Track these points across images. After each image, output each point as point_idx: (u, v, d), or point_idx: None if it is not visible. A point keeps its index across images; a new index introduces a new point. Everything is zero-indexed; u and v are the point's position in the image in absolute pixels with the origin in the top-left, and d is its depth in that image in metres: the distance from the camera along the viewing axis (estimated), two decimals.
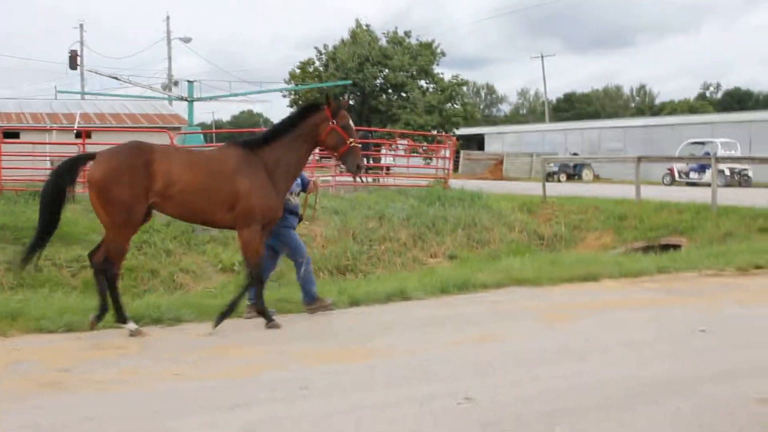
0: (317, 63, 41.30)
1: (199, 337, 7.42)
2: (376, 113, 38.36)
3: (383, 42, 39.84)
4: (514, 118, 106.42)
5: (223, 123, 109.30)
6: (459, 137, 43.03)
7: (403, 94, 38.94)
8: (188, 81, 27.91)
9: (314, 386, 5.70)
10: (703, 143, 37.22)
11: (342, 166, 8.82)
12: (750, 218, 18.45)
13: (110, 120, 36.57)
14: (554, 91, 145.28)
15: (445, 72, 43.57)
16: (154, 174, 7.41)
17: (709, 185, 33.88)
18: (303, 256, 8.69)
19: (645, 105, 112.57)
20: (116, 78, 29.89)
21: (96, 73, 37.53)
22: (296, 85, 40.10)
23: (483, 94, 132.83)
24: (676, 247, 18.09)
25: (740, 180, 34.22)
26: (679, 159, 31.56)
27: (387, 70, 38.05)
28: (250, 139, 8.18)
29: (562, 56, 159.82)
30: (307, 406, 5.28)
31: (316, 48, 41.60)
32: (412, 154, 30.31)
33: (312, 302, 8.67)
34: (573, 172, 42.57)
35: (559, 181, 40.04)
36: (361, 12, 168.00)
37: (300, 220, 8.91)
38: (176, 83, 39.66)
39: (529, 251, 18.27)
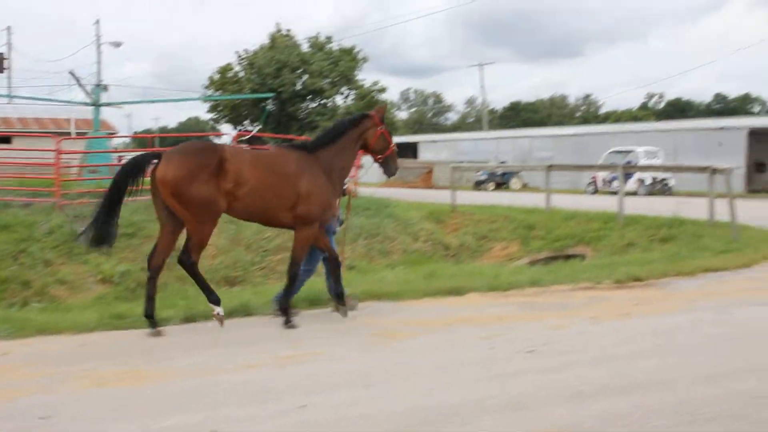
0: (237, 68, 40.21)
1: None
2: (294, 120, 37.56)
3: (305, 47, 38.86)
4: (461, 126, 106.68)
5: (169, 130, 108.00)
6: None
7: (323, 101, 38.20)
8: (97, 85, 26.91)
9: (60, 415, 5.01)
10: (626, 152, 37.13)
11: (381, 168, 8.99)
12: (654, 228, 18.18)
13: (33, 125, 35.51)
14: (503, 100, 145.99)
15: (381, 79, 43.06)
16: (226, 173, 7.62)
17: (634, 194, 34.06)
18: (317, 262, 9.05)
19: (590, 114, 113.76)
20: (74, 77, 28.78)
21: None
22: (215, 90, 39.13)
23: (430, 102, 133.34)
24: (580, 257, 17.73)
25: (662, 188, 34.16)
26: (590, 167, 31.38)
27: (306, 76, 37.26)
28: (305, 142, 8.69)
29: (513, 65, 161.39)
30: None
31: (236, 53, 40.79)
32: None
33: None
34: (502, 181, 42.21)
35: (487, 189, 39.66)
36: (316, 18, 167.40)
37: (341, 223, 9.34)
38: (105, 87, 38.55)
39: (430, 262, 17.78)
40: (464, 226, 20.89)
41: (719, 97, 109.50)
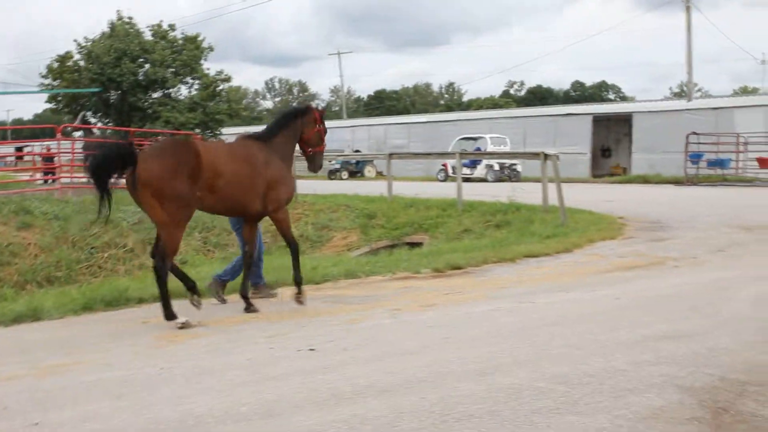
0: (77, 56, 38.26)
1: None
2: (136, 111, 36.11)
3: (148, 36, 37.42)
4: (327, 115, 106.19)
5: (24, 121, 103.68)
6: (249, 136, 41.65)
7: (166, 91, 36.93)
8: None
9: None
10: (474, 138, 37.62)
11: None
12: (490, 214, 18.36)
13: None
14: (369, 89, 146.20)
15: (247, 68, 41.92)
16: (201, 167, 7.69)
17: (484, 180, 34.55)
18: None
19: (453, 102, 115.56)
20: None
21: None
22: (53, 79, 37.27)
23: (296, 92, 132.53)
24: (418, 244, 17.70)
25: (510, 174, 34.75)
26: (426, 155, 31.63)
27: (147, 66, 35.89)
28: (259, 133, 8.85)
29: (380, 54, 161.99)
30: None
31: (75, 41, 38.93)
32: None
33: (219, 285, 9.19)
34: (355, 170, 42.07)
35: (341, 178, 39.45)
36: (174, 6, 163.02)
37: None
38: None
39: (266, 254, 17.33)
40: (305, 217, 20.59)
41: (577, 85, 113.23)
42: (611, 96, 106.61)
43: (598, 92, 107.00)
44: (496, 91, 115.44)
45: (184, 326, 7.55)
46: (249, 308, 8.43)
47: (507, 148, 35.36)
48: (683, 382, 5.30)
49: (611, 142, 44.64)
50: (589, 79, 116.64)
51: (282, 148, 8.67)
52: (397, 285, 10.06)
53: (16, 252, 16.11)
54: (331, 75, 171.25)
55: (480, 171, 35.00)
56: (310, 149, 9.17)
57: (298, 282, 8.70)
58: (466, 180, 33.55)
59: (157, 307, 8.80)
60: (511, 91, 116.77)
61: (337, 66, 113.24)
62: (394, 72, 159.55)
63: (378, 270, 11.08)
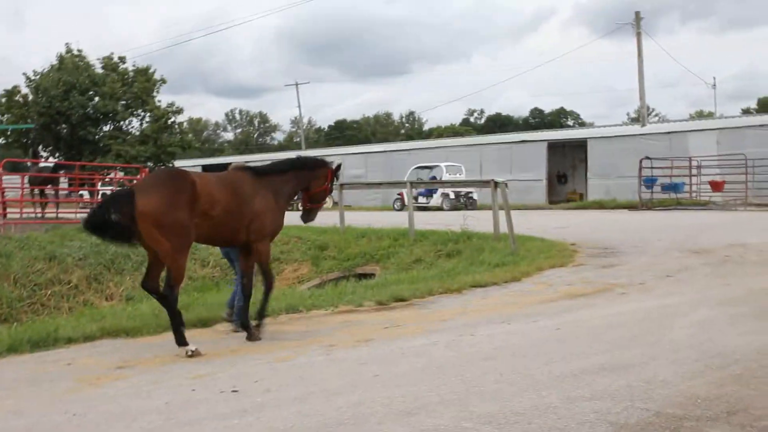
0: (25, 90, 37.64)
1: None
2: (87, 144, 35.51)
3: (98, 68, 36.92)
4: (288, 146, 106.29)
5: None
6: (205, 167, 41.37)
7: (117, 124, 36.44)
8: None
9: None
10: (430, 167, 37.56)
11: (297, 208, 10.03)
12: (441, 243, 18.16)
13: None
14: (330, 119, 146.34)
15: (208, 100, 41.42)
16: (198, 196, 7.79)
17: (440, 209, 34.44)
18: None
19: (414, 130, 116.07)
20: None
21: None
22: (1, 114, 36.66)
23: (256, 123, 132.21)
24: (370, 276, 17.44)
25: (466, 202, 34.68)
26: (378, 185, 31.49)
27: (97, 98, 35.38)
28: (256, 166, 8.96)
29: (340, 84, 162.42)
30: None
31: (24, 74, 38.31)
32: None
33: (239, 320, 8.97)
34: None
35: (297, 209, 39.06)
36: (133, 37, 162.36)
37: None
38: None
39: (216, 289, 17.09)
40: None
41: (536, 112, 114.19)
42: (570, 122, 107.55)
43: (557, 119, 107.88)
44: (457, 119, 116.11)
45: (193, 354, 7.67)
46: (251, 336, 8.50)
47: (462, 176, 35.33)
48: (617, 419, 5.08)
49: (567, 168, 44.84)
50: (548, 106, 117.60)
51: (278, 186, 8.73)
52: (339, 319, 9.77)
53: None
54: (291, 105, 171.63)
55: (436, 200, 34.87)
56: (310, 204, 9.44)
57: (261, 316, 8.67)
58: (423, 209, 33.57)
59: (84, 347, 8.59)
60: (471, 120, 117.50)
61: (298, 97, 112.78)
62: (355, 102, 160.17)
63: (321, 303, 10.81)
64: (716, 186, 32.10)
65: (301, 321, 9.78)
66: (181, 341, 7.84)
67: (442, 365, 6.77)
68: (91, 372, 7.24)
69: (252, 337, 8.48)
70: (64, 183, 28.88)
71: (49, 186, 26.40)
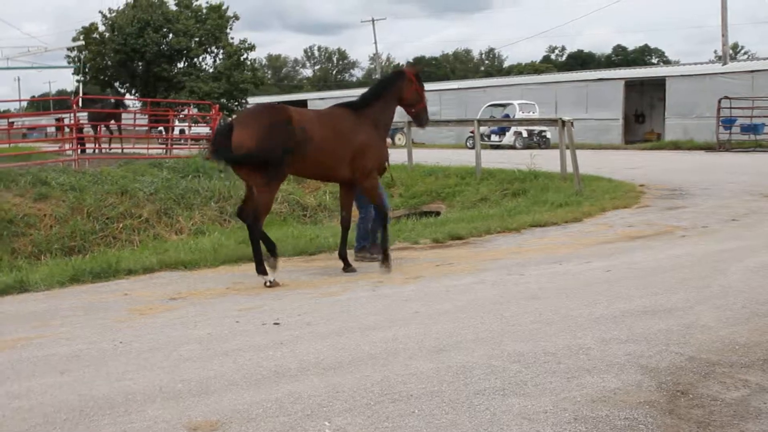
0: (102, 28, 38.39)
1: None
2: (161, 81, 36.04)
3: (172, 5, 37.25)
4: (367, 82, 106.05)
5: (68, 92, 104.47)
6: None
7: (190, 61, 36.78)
8: None
9: None
10: (503, 105, 37.05)
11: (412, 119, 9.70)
12: (507, 182, 18.06)
13: None
14: (409, 55, 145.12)
15: (288, 37, 41.61)
16: (293, 132, 7.96)
17: (513, 147, 34.04)
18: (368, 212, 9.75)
19: (494, 67, 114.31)
20: None
21: None
22: (79, 51, 37.37)
23: (335, 60, 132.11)
24: (435, 213, 17.47)
25: (539, 141, 34.20)
26: (446, 123, 31.18)
27: (171, 36, 35.75)
28: (352, 101, 8.98)
29: (420, 20, 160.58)
30: None
31: (100, 12, 38.94)
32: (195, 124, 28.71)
33: (360, 251, 9.74)
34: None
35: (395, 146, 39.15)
36: None
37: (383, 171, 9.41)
38: None
39: (284, 224, 17.27)
40: (324, 186, 20.35)
41: (618, 49, 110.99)
42: (654, 60, 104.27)
43: (640, 56, 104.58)
44: (538, 56, 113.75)
45: (272, 285, 7.93)
46: (347, 268, 8.83)
47: (536, 115, 34.78)
48: (648, 362, 5.02)
49: (645, 107, 43.70)
50: (632, 44, 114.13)
51: (376, 116, 8.82)
52: (392, 256, 9.82)
53: (32, 223, 16.19)
54: (370, 42, 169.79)
55: (509, 138, 34.45)
56: (412, 109, 9.30)
57: (384, 248, 8.86)
58: (496, 147, 33.26)
59: (142, 279, 8.87)
60: (552, 57, 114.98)
61: (377, 32, 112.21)
62: (434, 38, 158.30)
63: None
64: None
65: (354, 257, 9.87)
66: (261, 270, 8.09)
67: (484, 303, 6.79)
68: (145, 303, 7.49)
69: (348, 268, 8.82)
70: (128, 119, 29.36)
71: (111, 122, 26.90)
